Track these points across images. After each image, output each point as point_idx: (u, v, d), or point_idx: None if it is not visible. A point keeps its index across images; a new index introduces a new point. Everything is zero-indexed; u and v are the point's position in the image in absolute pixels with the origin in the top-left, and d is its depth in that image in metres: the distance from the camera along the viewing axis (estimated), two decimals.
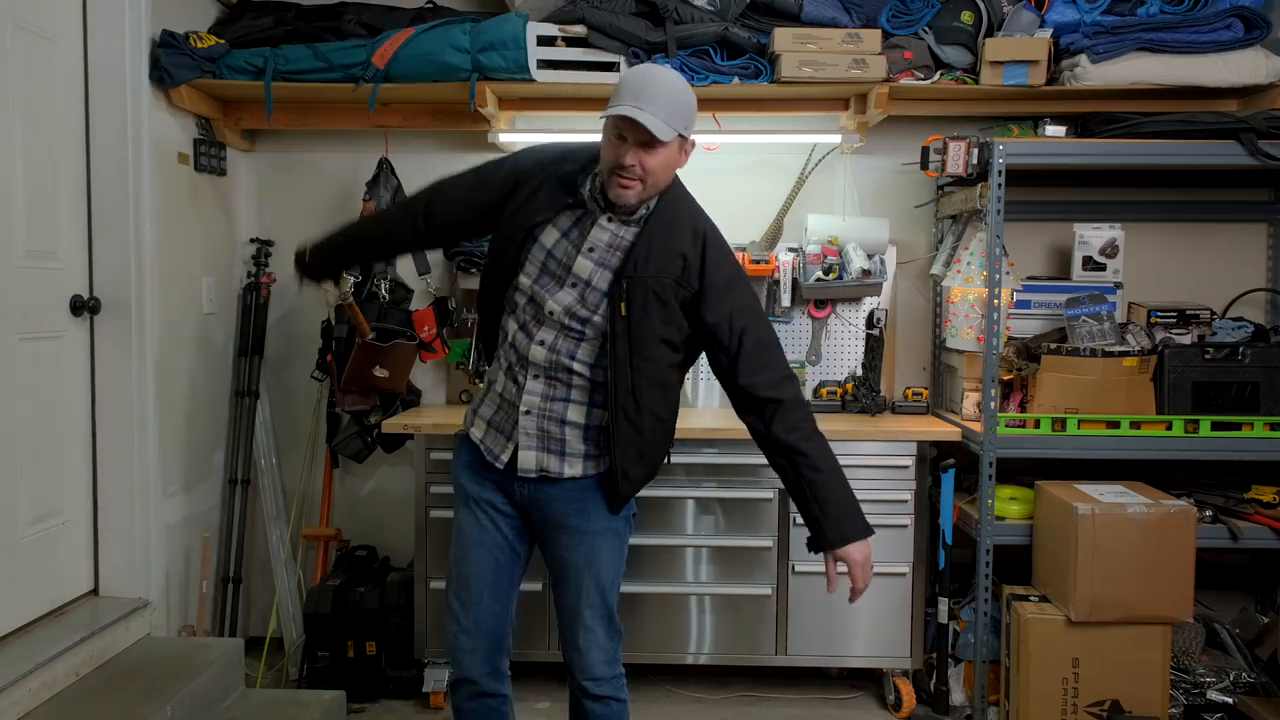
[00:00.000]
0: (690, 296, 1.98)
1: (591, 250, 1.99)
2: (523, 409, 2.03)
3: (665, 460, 2.17)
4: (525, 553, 2.17)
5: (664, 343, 1.99)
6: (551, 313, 2.00)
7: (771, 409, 2.00)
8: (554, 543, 2.10)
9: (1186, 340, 3.12)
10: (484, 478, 2.11)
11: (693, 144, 2.00)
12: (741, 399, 2.04)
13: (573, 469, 2.05)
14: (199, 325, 3.28)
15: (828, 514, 1.99)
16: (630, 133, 1.87)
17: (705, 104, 3.25)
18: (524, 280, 2.03)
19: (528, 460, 2.04)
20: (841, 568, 2.01)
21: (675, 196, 2.02)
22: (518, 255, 2.03)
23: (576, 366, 2.00)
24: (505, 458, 2.06)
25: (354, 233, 2.42)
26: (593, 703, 2.11)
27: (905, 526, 3.06)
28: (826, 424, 3.12)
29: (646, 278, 1.95)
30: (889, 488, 3.06)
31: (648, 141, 1.87)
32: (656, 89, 1.87)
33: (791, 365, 3.35)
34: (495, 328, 2.16)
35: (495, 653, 2.14)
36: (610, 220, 1.99)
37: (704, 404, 3.57)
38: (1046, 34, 3.08)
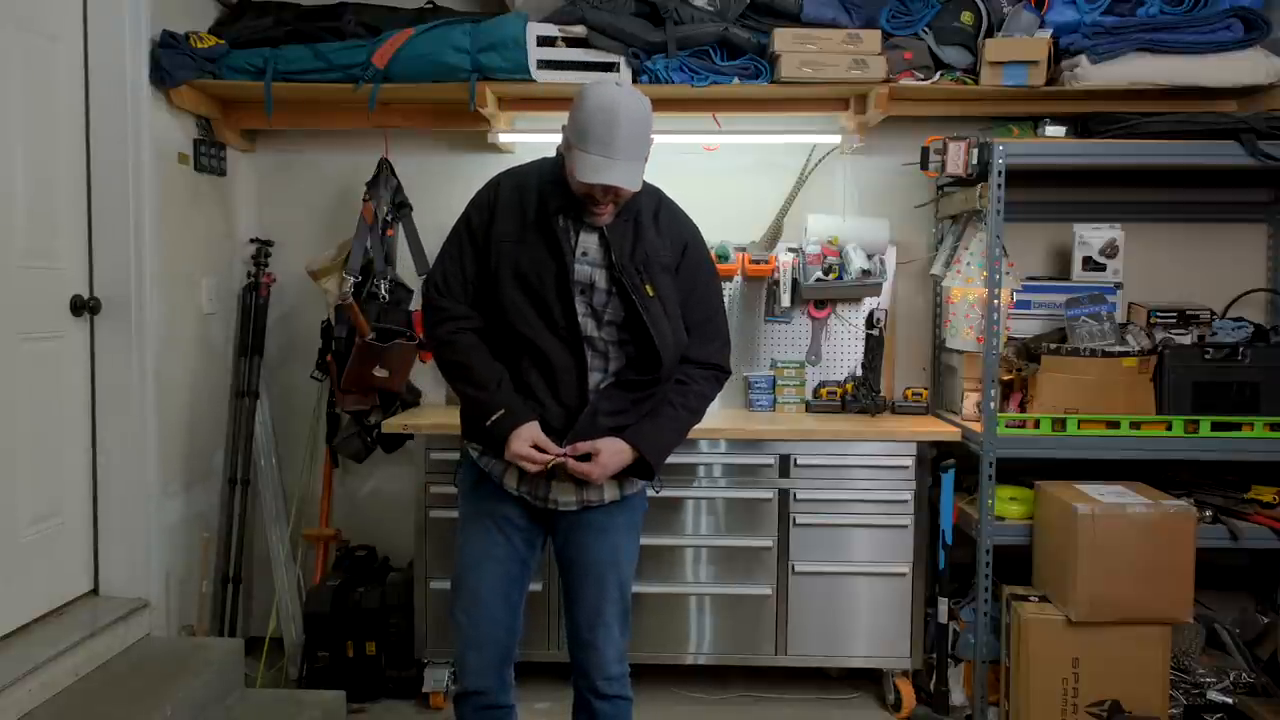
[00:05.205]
0: (676, 265, 2.08)
1: (585, 254, 2.01)
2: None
3: None
4: (533, 562, 2.17)
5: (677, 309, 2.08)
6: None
7: (697, 367, 2.13)
8: (577, 544, 2.11)
9: (1186, 340, 3.12)
10: (507, 496, 2.09)
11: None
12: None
13: (612, 493, 2.08)
14: (199, 325, 3.28)
15: (643, 425, 2.05)
16: None
17: (705, 104, 3.27)
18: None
19: (568, 493, 2.06)
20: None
21: None
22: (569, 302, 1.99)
23: (618, 391, 2.03)
24: (555, 495, 2.06)
25: (482, 375, 2.07)
26: (603, 702, 2.11)
27: (905, 526, 3.06)
28: (827, 424, 3.18)
29: (653, 256, 2.02)
30: (889, 488, 3.06)
31: None
32: (623, 130, 1.85)
33: (791, 365, 3.43)
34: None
35: (504, 664, 2.14)
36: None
37: None
38: (1046, 34, 3.08)
